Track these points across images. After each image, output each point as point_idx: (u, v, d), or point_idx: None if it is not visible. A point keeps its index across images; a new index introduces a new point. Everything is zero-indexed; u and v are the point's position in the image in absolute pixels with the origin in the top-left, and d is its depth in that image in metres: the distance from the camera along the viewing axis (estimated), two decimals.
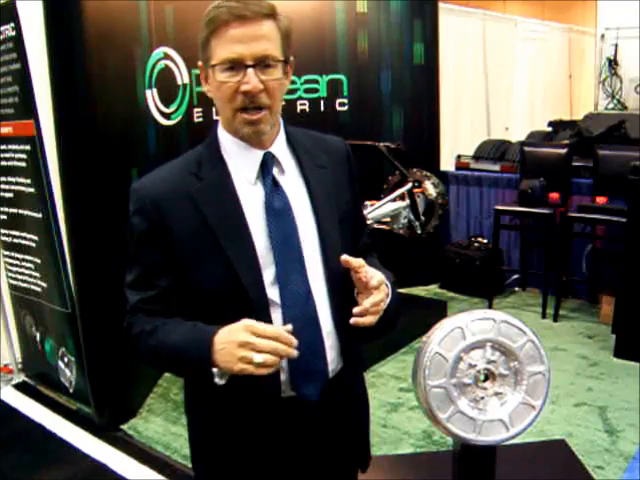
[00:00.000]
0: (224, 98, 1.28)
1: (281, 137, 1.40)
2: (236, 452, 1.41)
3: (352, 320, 1.27)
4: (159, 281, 1.34)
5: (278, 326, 1.24)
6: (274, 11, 1.28)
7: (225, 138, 1.37)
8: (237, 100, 1.27)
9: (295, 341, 1.19)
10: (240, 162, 1.35)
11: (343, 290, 1.37)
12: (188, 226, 1.30)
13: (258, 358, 1.15)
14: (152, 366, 1.52)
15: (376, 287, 1.27)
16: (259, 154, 1.35)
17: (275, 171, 1.37)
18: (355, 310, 1.26)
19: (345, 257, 1.26)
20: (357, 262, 1.26)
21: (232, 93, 1.26)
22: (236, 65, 1.25)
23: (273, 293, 1.33)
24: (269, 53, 1.26)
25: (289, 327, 1.21)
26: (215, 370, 1.22)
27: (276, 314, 1.33)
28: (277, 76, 1.28)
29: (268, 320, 1.30)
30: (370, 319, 1.27)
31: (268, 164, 1.36)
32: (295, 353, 1.19)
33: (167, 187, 1.33)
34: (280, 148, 1.39)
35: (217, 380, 1.23)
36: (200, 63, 1.33)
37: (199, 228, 1.30)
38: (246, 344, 1.17)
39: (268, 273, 1.32)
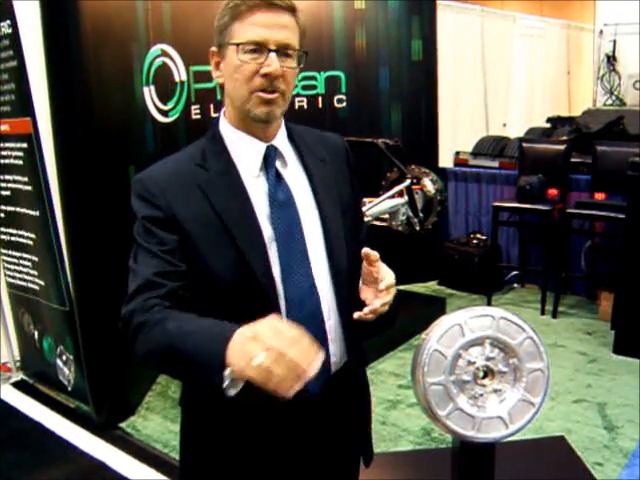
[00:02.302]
0: (242, 78, 1.29)
1: (282, 131, 1.41)
2: (235, 446, 1.40)
3: (356, 315, 1.28)
4: (178, 260, 1.29)
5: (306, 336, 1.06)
6: (296, 9, 1.32)
7: (229, 131, 1.38)
8: (255, 82, 1.29)
9: (321, 356, 1.04)
10: (243, 155, 1.36)
11: (346, 283, 1.38)
12: (197, 215, 1.30)
13: (258, 357, 1.00)
14: (149, 364, 1.29)
15: (382, 290, 1.28)
16: (262, 147, 1.36)
17: (278, 164, 1.38)
18: (366, 309, 1.27)
19: (366, 250, 1.28)
20: (374, 255, 1.28)
21: (251, 74, 1.29)
22: (259, 48, 1.27)
23: (277, 284, 1.33)
24: (290, 42, 1.30)
25: (320, 354, 1.05)
26: (226, 372, 1.07)
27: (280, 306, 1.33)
28: (293, 65, 1.32)
29: (278, 308, 1.31)
30: (371, 316, 1.28)
31: (271, 156, 1.37)
32: (310, 373, 1.02)
33: (174, 177, 1.33)
34: (282, 142, 1.40)
35: (225, 385, 1.07)
36: (214, 48, 1.35)
37: (208, 217, 1.30)
38: (256, 338, 1.04)
39: (273, 264, 1.33)
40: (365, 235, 1.56)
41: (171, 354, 1.19)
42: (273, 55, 1.27)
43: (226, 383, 1.07)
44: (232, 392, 1.07)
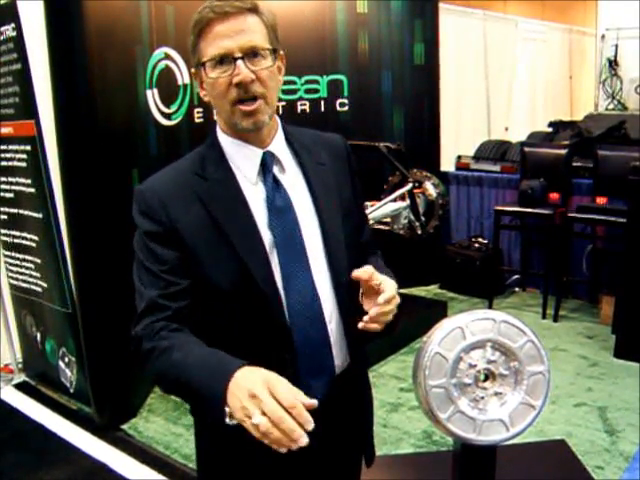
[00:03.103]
0: (219, 94, 1.29)
1: (279, 136, 1.41)
2: (242, 449, 1.41)
3: (360, 325, 1.28)
4: (179, 278, 1.30)
5: (301, 397, 1.07)
6: (256, 6, 1.30)
7: (224, 140, 1.38)
8: (232, 93, 1.28)
9: (310, 423, 1.05)
10: (241, 162, 1.36)
11: (347, 286, 1.38)
12: (197, 225, 1.31)
13: (256, 419, 1.03)
14: (160, 386, 1.35)
15: (382, 303, 1.27)
16: (259, 153, 1.36)
17: (276, 170, 1.38)
18: (365, 318, 1.27)
19: (355, 273, 1.28)
20: (366, 274, 1.27)
21: (226, 87, 1.28)
22: (225, 59, 1.27)
23: (279, 290, 1.33)
24: (255, 44, 1.28)
25: (314, 402, 1.07)
26: (227, 410, 1.11)
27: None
28: (267, 65, 1.30)
29: (281, 314, 1.32)
30: (376, 326, 1.29)
31: (268, 163, 1.37)
32: (302, 442, 1.04)
33: (173, 188, 1.34)
34: (279, 147, 1.40)
35: (227, 420, 1.12)
36: (193, 70, 1.35)
37: (208, 226, 1.31)
38: (255, 397, 1.06)
39: (274, 271, 1.33)
40: (369, 236, 1.56)
41: (177, 384, 1.24)
42: (240, 62, 1.26)
43: (227, 419, 1.12)
44: (234, 422, 1.12)
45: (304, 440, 1.04)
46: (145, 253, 1.32)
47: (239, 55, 1.26)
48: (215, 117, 1.42)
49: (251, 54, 1.27)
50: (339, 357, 1.42)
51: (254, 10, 1.29)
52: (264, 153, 1.36)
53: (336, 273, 1.38)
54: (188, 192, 1.32)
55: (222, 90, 1.28)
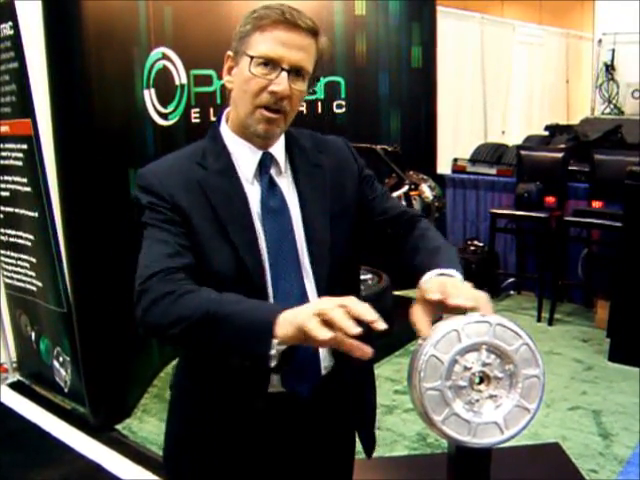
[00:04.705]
0: (250, 91, 1.30)
1: (281, 139, 1.41)
2: (222, 446, 1.41)
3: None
4: (185, 240, 1.28)
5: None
6: (319, 32, 1.35)
7: (227, 136, 1.39)
8: (262, 97, 1.29)
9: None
10: (240, 160, 1.37)
11: (330, 290, 1.37)
12: (196, 210, 1.31)
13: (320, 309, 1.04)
14: (169, 333, 1.20)
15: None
16: (258, 153, 1.37)
17: (273, 172, 1.39)
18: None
19: (428, 296, 1.22)
20: (435, 295, 1.21)
21: (260, 89, 1.29)
22: (272, 64, 1.28)
23: (268, 287, 1.34)
24: (304, 65, 1.31)
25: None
26: (275, 340, 1.09)
27: None
28: (303, 88, 1.33)
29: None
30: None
31: (266, 164, 1.38)
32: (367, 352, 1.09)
33: (174, 172, 1.34)
34: (279, 149, 1.41)
35: (273, 353, 1.09)
36: (230, 53, 1.36)
37: (206, 211, 1.31)
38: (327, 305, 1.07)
39: (265, 268, 1.33)
40: (400, 207, 1.52)
41: (208, 320, 1.15)
42: (284, 75, 1.28)
43: (273, 351, 1.09)
44: (273, 362, 1.11)
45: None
46: (152, 215, 1.30)
47: (286, 67, 1.28)
48: (221, 113, 1.42)
49: (295, 72, 1.30)
50: (327, 357, 1.41)
51: (316, 35, 1.34)
52: (263, 154, 1.37)
53: (318, 277, 1.38)
54: (188, 177, 1.33)
55: (255, 90, 1.29)
